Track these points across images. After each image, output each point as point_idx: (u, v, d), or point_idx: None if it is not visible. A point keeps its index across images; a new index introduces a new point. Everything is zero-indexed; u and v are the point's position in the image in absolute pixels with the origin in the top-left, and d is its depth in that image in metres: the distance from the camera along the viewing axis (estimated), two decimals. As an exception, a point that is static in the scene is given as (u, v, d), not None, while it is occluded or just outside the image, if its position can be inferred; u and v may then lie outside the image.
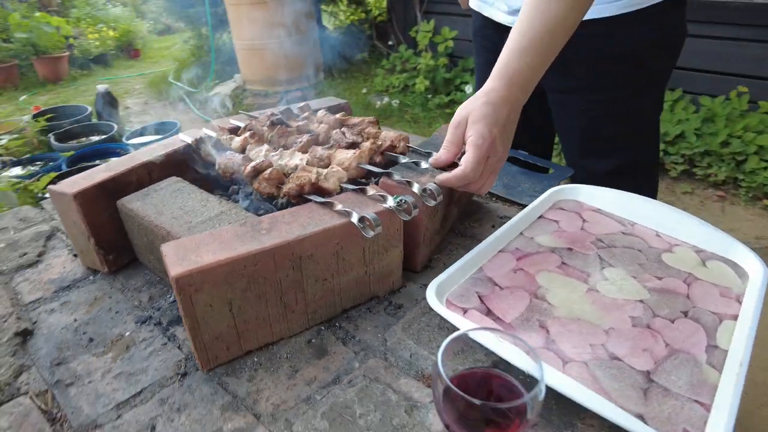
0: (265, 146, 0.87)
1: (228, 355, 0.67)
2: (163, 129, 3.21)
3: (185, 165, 0.92)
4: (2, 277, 0.85)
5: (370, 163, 0.82)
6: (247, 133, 0.91)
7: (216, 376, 0.65)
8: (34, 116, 3.30)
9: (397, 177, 0.77)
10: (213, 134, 0.92)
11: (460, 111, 0.76)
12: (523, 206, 1.02)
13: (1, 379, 0.65)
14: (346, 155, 0.81)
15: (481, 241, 0.82)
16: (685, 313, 0.71)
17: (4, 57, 5.00)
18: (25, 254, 0.91)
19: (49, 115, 3.36)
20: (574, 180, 1.12)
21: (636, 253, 0.83)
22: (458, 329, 0.65)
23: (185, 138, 0.92)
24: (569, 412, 0.59)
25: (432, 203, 0.73)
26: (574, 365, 0.63)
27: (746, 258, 0.79)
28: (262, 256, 0.62)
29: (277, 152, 0.84)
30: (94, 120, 3.49)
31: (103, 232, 0.82)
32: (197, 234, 0.67)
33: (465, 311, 0.72)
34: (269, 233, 0.65)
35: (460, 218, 0.99)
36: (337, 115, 0.98)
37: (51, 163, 2.69)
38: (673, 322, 0.69)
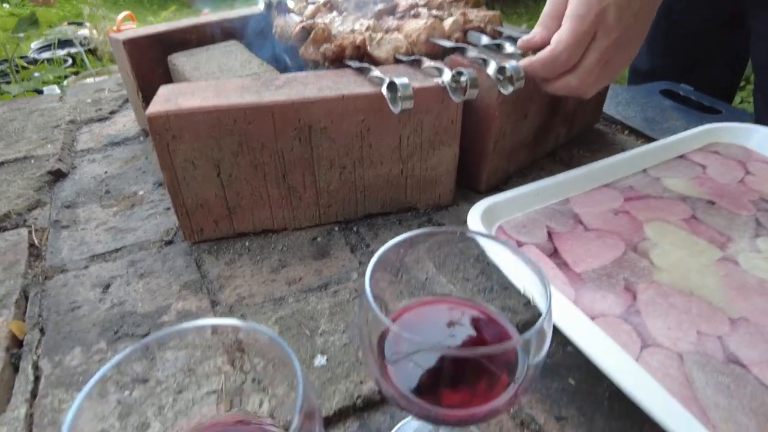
0: (335, 13, 0.72)
1: (217, 232, 0.56)
2: None
3: (258, 32, 0.81)
4: (73, 125, 0.85)
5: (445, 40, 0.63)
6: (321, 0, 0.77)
7: (197, 250, 0.55)
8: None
9: (471, 54, 0.57)
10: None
11: None
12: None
13: (15, 208, 0.63)
14: (416, 25, 0.62)
15: (583, 169, 0.60)
16: None
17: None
18: (100, 110, 0.90)
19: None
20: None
21: (824, 223, 0.54)
22: (495, 262, 0.46)
23: (260, 4, 0.82)
24: (625, 414, 0.38)
25: (508, 90, 0.53)
26: (659, 353, 0.40)
27: None
28: (256, 112, 0.49)
29: (341, 17, 0.69)
30: None
31: (152, 88, 0.75)
32: (203, 81, 0.56)
33: (520, 245, 0.52)
34: (277, 90, 0.51)
35: (569, 143, 0.75)
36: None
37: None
38: None
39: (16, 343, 0.46)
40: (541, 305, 0.27)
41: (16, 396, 0.40)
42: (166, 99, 0.50)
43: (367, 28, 0.64)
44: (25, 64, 2.01)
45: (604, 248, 0.52)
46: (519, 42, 0.56)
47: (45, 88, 1.67)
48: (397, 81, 0.47)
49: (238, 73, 0.64)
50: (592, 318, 0.44)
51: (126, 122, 0.86)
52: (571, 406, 0.39)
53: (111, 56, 2.48)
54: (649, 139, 0.78)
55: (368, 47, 0.59)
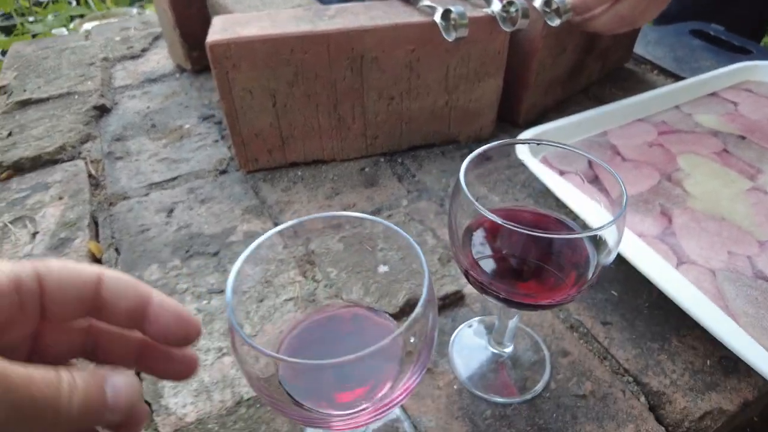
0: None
1: (270, 162, 0.59)
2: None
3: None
4: (107, 62, 0.86)
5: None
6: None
7: (252, 179, 0.58)
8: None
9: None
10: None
11: None
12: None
13: (69, 141, 0.66)
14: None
15: (616, 104, 0.62)
16: None
17: None
18: (131, 47, 0.91)
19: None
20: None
21: None
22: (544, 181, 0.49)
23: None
24: (663, 321, 0.42)
25: (555, 22, 0.54)
26: (694, 268, 0.44)
27: None
28: (312, 41, 0.51)
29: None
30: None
31: (189, 24, 0.76)
32: (256, 12, 0.57)
33: (562, 173, 0.54)
34: (330, 19, 0.53)
35: (600, 81, 0.76)
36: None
37: None
38: None
39: (96, 261, 0.49)
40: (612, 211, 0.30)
41: (108, 303, 0.44)
42: (223, 28, 0.52)
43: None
44: (29, 4, 1.96)
45: (640, 177, 0.54)
46: None
47: (53, 30, 1.64)
48: (453, 8, 0.49)
49: (281, 6, 0.65)
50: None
51: (159, 59, 0.87)
52: (614, 313, 0.43)
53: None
54: (679, 78, 0.79)
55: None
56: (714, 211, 0.51)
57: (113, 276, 0.23)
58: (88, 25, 2.12)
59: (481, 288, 0.31)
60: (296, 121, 0.56)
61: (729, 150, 0.58)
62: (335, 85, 0.54)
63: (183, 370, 0.25)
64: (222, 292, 0.45)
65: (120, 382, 0.21)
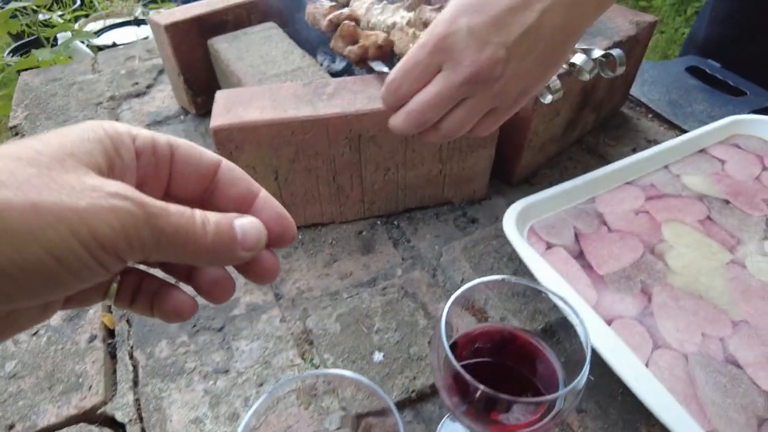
0: (371, -1, 0.73)
1: (271, 226, 0.62)
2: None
3: (294, 10, 0.82)
4: (113, 102, 0.88)
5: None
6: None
7: (255, 243, 0.61)
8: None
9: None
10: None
11: None
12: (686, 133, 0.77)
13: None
14: (455, 23, 0.64)
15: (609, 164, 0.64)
16: None
17: None
18: (137, 84, 0.93)
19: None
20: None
21: (830, 229, 0.58)
22: (526, 263, 0.52)
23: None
24: (634, 409, 0.45)
25: (547, 99, 0.56)
26: (668, 354, 0.47)
27: None
28: (313, 125, 0.53)
29: (381, 5, 0.70)
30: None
31: (193, 70, 0.78)
32: (257, 87, 0.59)
33: (549, 247, 0.57)
34: (329, 100, 0.55)
35: (595, 129, 0.78)
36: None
37: None
38: None
39: (109, 333, 0.53)
40: (584, 349, 0.33)
41: (121, 384, 0.48)
42: (227, 109, 0.54)
43: (409, 23, 0.65)
44: (35, 8, 1.97)
45: (624, 249, 0.57)
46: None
47: (59, 34, 1.65)
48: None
49: (281, 66, 0.67)
50: (611, 320, 0.50)
51: (164, 98, 0.89)
52: (590, 400, 0.46)
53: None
54: (672, 125, 0.81)
55: (411, 45, 0.61)
56: (693, 287, 0.53)
57: (230, 165, 0.26)
58: (92, 26, 2.12)
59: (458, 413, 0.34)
60: (297, 191, 0.59)
61: (712, 217, 0.61)
62: (334, 161, 0.57)
63: (266, 274, 0.27)
64: (227, 371, 0.49)
65: (247, 222, 0.23)
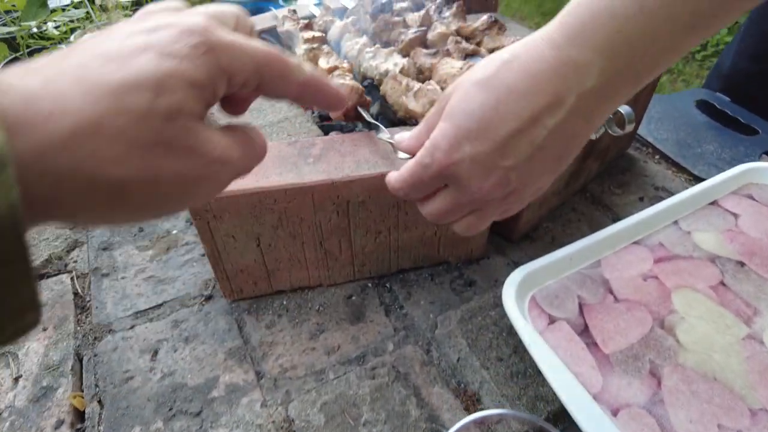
0: (363, 38, 0.69)
1: (255, 291, 0.58)
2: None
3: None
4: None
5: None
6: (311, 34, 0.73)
7: (238, 309, 0.58)
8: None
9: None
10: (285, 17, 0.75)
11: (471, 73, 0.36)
12: (696, 178, 0.74)
13: (56, 252, 0.65)
14: (452, 68, 0.60)
15: (615, 219, 0.60)
16: None
17: None
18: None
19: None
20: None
21: None
22: (527, 345, 0.48)
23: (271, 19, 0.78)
24: None
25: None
26: (682, 454, 0.43)
27: None
28: (296, 193, 0.49)
29: (373, 48, 0.66)
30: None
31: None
32: (239, 146, 0.55)
33: (552, 321, 0.53)
34: (315, 164, 0.51)
35: (600, 176, 0.74)
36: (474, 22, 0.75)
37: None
38: None
39: (79, 416, 0.49)
40: None
41: (88, 480, 0.44)
42: (205, 175, 0.50)
43: (402, 70, 0.62)
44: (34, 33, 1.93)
45: (632, 323, 0.53)
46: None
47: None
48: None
49: (267, 116, 0.63)
50: (617, 409, 0.46)
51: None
52: (597, 503, 0.42)
53: (118, 3, 2.38)
54: (680, 168, 0.77)
55: (404, 97, 0.58)
56: (706, 366, 0.50)
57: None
58: (88, 36, 2.09)
59: None
60: (281, 257, 0.55)
61: (726, 283, 0.57)
62: (321, 226, 0.53)
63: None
64: (203, 465, 0.45)
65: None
